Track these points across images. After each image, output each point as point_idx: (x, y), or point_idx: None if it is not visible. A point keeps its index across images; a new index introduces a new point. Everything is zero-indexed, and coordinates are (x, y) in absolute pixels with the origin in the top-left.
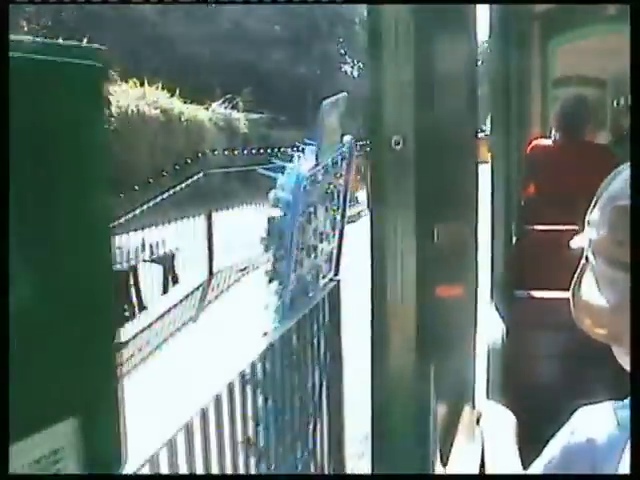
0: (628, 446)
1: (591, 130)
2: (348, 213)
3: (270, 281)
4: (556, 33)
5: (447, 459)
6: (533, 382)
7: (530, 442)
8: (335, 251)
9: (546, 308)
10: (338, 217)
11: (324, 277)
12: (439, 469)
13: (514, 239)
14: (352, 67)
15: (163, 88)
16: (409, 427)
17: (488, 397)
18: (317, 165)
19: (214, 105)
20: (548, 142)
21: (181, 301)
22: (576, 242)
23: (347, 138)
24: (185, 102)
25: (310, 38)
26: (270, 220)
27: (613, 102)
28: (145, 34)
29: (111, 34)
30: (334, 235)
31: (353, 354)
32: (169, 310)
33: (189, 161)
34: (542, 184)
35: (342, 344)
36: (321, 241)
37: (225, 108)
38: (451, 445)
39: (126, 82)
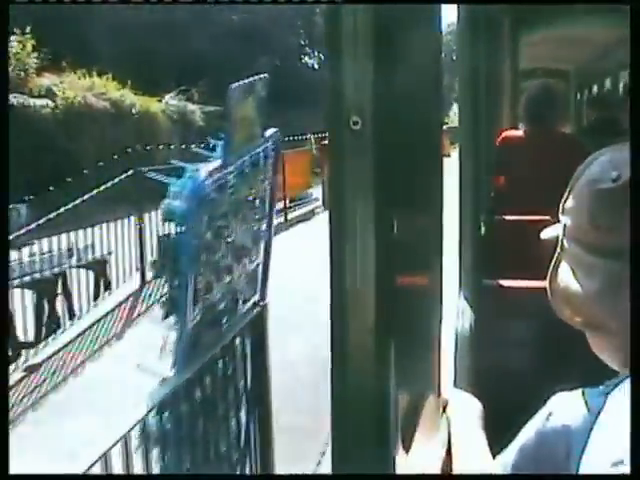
0: (594, 434)
1: (559, 118)
2: (303, 210)
3: (166, 315)
4: (525, 24)
5: (410, 447)
6: (500, 370)
7: (497, 429)
8: (260, 269)
9: (513, 297)
10: (263, 228)
11: (245, 302)
12: (402, 459)
13: (482, 229)
14: (312, 58)
15: (114, 79)
16: (370, 420)
17: (455, 385)
18: (226, 166)
19: (167, 97)
20: (518, 132)
21: (107, 314)
22: (548, 232)
23: (270, 132)
24: (137, 94)
25: (269, 28)
26: (162, 238)
27: (577, 93)
28: (97, 24)
29: (62, 24)
30: (258, 251)
31: (284, 395)
32: (93, 325)
33: (116, 157)
34: (512, 174)
35: (269, 383)
36: (239, 260)
37: (179, 100)
38: (415, 433)
39: (74, 72)
